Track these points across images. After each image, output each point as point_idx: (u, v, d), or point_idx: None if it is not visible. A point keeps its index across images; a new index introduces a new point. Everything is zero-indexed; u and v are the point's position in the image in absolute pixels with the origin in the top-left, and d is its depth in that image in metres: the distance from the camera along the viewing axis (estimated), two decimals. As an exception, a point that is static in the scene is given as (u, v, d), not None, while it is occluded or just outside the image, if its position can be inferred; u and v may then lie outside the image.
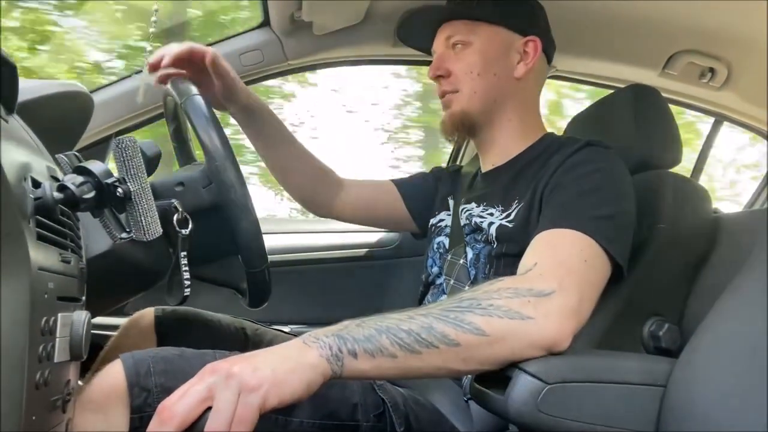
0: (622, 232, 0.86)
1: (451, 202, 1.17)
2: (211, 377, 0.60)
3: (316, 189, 1.23)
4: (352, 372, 0.65)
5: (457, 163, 1.76)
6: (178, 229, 0.83)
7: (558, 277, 0.76)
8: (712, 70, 1.49)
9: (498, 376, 0.72)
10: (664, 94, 1.17)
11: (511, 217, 0.97)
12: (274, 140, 1.17)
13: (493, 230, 0.98)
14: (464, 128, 1.07)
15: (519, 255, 0.84)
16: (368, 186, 1.29)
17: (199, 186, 0.87)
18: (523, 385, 0.68)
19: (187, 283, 0.83)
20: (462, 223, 1.07)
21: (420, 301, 1.14)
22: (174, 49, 0.99)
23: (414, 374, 0.70)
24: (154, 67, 0.99)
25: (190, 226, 0.84)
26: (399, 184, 1.26)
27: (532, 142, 1.07)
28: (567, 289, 0.75)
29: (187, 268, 0.83)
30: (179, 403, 0.58)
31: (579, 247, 0.81)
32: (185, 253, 0.83)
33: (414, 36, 1.20)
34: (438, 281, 1.09)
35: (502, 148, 1.08)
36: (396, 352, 0.66)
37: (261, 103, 1.13)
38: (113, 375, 0.72)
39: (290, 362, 0.62)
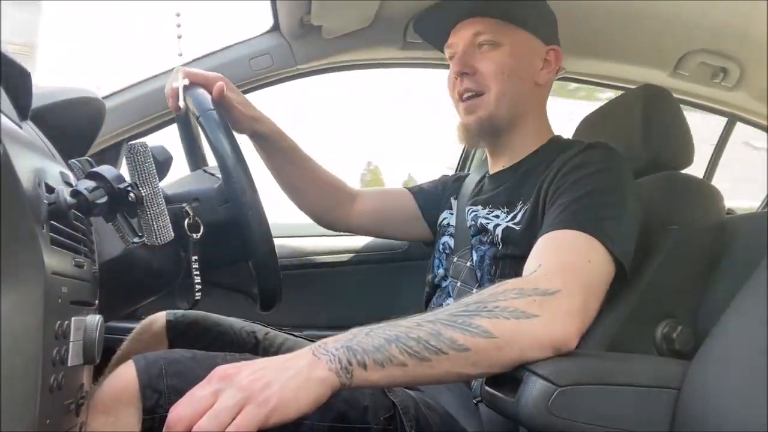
0: (625, 232, 0.86)
1: (454, 202, 1.17)
2: (219, 384, 0.60)
3: (329, 205, 1.22)
4: (361, 382, 0.65)
5: (466, 168, 1.77)
6: (189, 233, 0.83)
7: (562, 277, 0.75)
8: (724, 70, 1.47)
9: (509, 379, 0.72)
10: (675, 95, 1.16)
11: (517, 219, 0.97)
12: (284, 163, 1.15)
13: (498, 232, 0.98)
14: (489, 133, 1.06)
15: (523, 257, 0.84)
16: (382, 195, 1.28)
17: (215, 204, 0.88)
18: (534, 388, 0.68)
19: (198, 287, 0.84)
20: (468, 224, 1.07)
21: (426, 304, 1.14)
22: (183, 79, 0.96)
23: (424, 381, 0.70)
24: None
25: (201, 230, 0.85)
26: (414, 191, 1.26)
27: (539, 145, 1.07)
28: (572, 289, 0.74)
29: (198, 272, 0.84)
30: (186, 407, 0.59)
31: (583, 247, 0.81)
32: (196, 257, 0.84)
33: (434, 26, 1.15)
34: (444, 284, 1.09)
35: (513, 151, 1.08)
36: (406, 360, 0.66)
37: (271, 128, 1.10)
38: (125, 376, 0.73)
39: (300, 378, 0.62)
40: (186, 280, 0.85)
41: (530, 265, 0.81)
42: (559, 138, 1.10)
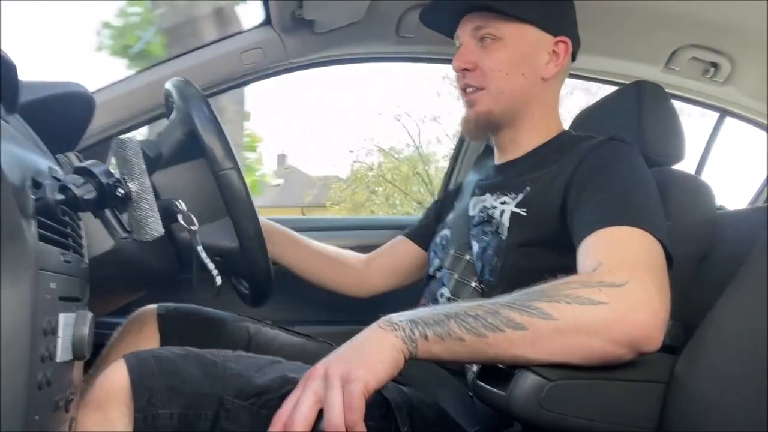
0: (663, 223, 0.84)
1: (451, 215, 1.15)
2: (313, 383, 0.64)
3: (341, 277, 1.27)
4: (425, 353, 0.68)
5: (457, 164, 1.77)
6: (186, 225, 0.83)
7: (629, 270, 0.72)
8: (715, 65, 1.48)
9: (501, 373, 0.72)
10: (667, 90, 1.16)
11: (524, 203, 0.95)
12: (292, 255, 1.22)
13: (505, 218, 0.95)
14: (489, 128, 1.05)
15: (529, 244, 0.83)
16: (386, 252, 1.30)
17: (174, 130, 0.90)
18: (525, 382, 0.68)
19: (216, 273, 0.84)
20: (471, 214, 1.05)
21: (422, 295, 1.13)
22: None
23: (484, 358, 0.71)
24: None
25: (196, 224, 0.84)
26: (411, 235, 1.27)
27: (549, 138, 1.05)
28: (642, 278, 0.71)
29: (209, 260, 0.84)
30: (296, 413, 0.62)
31: (637, 240, 0.78)
32: (200, 247, 0.84)
33: (437, 19, 1.13)
34: (438, 274, 1.07)
35: (520, 144, 1.07)
36: (463, 335, 0.67)
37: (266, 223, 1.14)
38: (116, 375, 0.73)
39: (375, 347, 0.66)
40: (201, 270, 0.85)
41: (587, 264, 0.77)
42: (569, 132, 1.08)
